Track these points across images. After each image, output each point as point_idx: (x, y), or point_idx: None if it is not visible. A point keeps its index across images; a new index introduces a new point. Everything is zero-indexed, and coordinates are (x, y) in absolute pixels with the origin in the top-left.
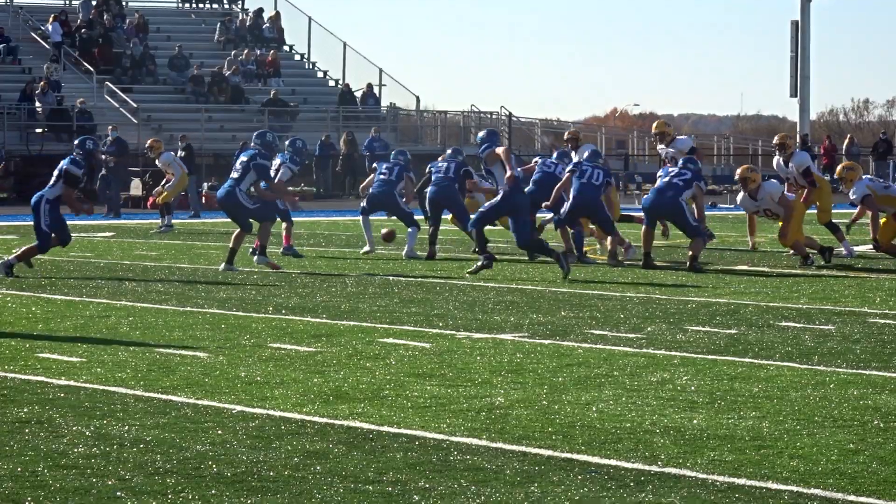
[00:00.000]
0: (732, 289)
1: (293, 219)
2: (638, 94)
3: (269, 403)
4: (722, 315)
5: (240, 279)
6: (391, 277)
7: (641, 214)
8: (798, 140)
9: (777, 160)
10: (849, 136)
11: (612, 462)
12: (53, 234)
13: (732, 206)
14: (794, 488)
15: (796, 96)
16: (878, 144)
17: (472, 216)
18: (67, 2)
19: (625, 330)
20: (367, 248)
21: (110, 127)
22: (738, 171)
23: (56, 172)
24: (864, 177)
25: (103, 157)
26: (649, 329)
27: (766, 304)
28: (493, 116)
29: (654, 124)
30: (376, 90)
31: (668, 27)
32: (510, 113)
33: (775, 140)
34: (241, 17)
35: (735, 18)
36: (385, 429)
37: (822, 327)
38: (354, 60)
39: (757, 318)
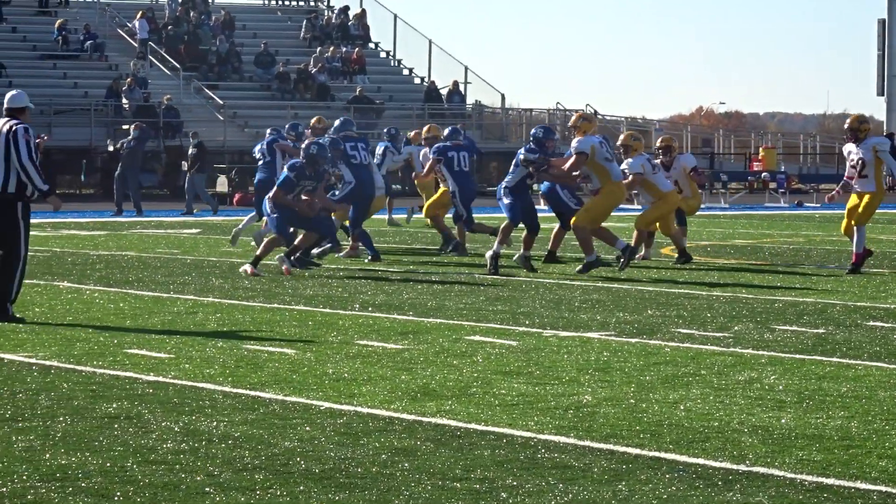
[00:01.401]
0: (820, 288)
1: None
2: (724, 92)
3: (356, 400)
4: (809, 314)
5: (326, 275)
6: (477, 275)
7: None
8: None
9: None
10: None
11: (700, 461)
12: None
13: (819, 204)
14: (884, 488)
15: (883, 95)
16: None
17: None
18: None
19: (712, 329)
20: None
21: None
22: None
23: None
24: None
25: (121, 148)
26: (736, 328)
27: (853, 304)
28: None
29: (621, 137)
30: (462, 88)
31: (754, 25)
32: (595, 111)
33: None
34: (326, 15)
35: (822, 16)
36: (473, 426)
37: None
38: (440, 58)
39: (845, 318)
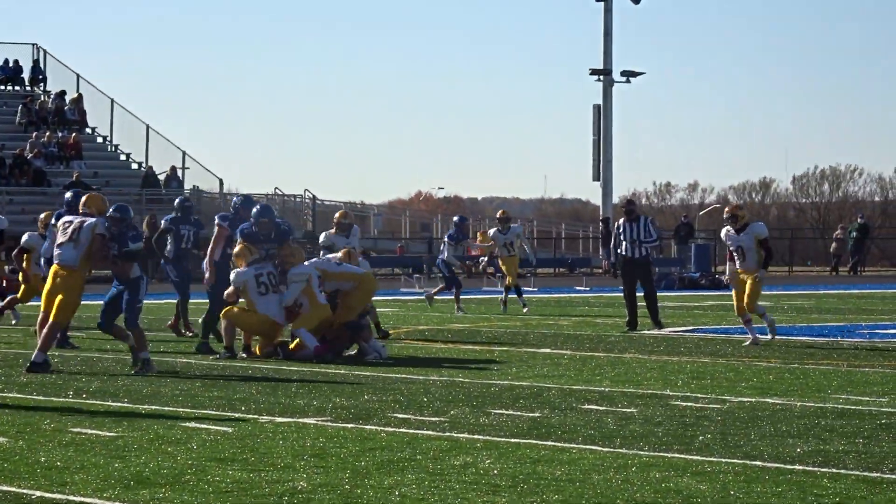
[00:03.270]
0: (535, 372)
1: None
2: (442, 177)
3: (69, 489)
4: (525, 398)
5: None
6: (193, 361)
7: None
8: (601, 224)
9: (727, 230)
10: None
11: None
12: None
13: (536, 288)
14: None
15: (599, 180)
16: (680, 228)
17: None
18: None
19: (428, 413)
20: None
21: None
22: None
23: None
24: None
25: None
26: (452, 412)
27: (569, 388)
28: (297, 199)
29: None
30: (179, 173)
31: (470, 108)
32: (314, 196)
33: (726, 212)
34: (42, 99)
35: (538, 101)
36: None
37: (624, 410)
38: (157, 143)
39: (560, 402)
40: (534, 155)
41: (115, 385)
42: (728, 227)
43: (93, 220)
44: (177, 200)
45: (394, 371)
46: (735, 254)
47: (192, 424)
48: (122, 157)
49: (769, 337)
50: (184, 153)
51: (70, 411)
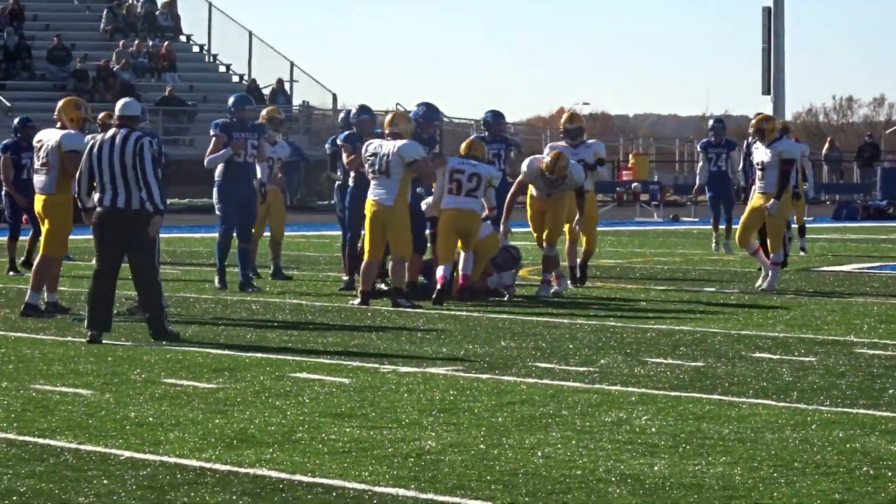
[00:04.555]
0: (699, 314)
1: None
2: (587, 91)
3: (162, 448)
4: (686, 345)
5: (126, 303)
6: (304, 302)
7: None
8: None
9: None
10: (829, 138)
11: None
12: None
13: (697, 219)
14: None
15: (769, 94)
16: (864, 149)
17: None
18: None
19: (575, 363)
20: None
21: None
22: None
23: None
24: None
25: None
26: (603, 361)
27: (736, 333)
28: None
29: None
30: (287, 87)
31: (623, 17)
32: (443, 113)
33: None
34: (130, 3)
35: (699, 4)
36: (298, 477)
37: (801, 359)
38: (262, 53)
39: (727, 349)
40: (694, 66)
41: (215, 330)
42: None
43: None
44: (16, 120)
45: (534, 314)
46: None
47: (304, 375)
48: (222, 69)
49: None
50: (292, 64)
51: (163, 361)
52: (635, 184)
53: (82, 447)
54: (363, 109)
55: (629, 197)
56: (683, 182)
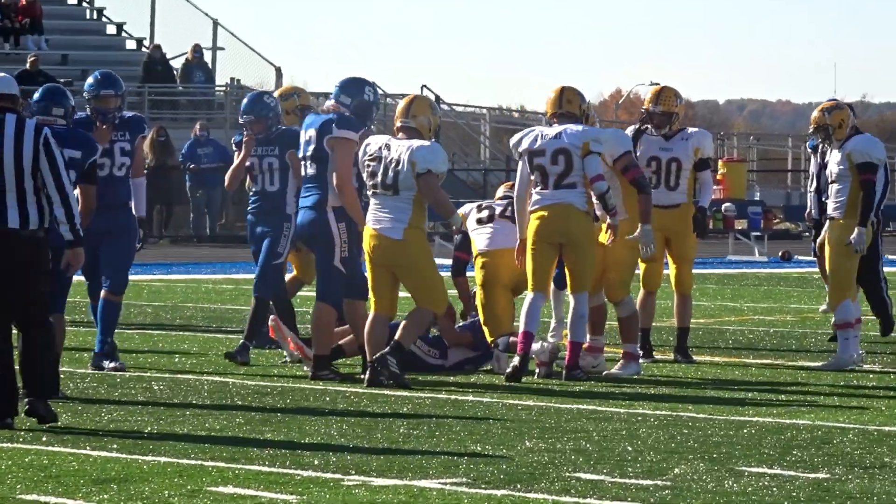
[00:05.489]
0: (819, 402)
1: None
2: (652, 69)
3: None
4: (802, 447)
5: None
6: (231, 380)
7: None
8: None
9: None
10: None
11: None
12: None
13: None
14: None
15: None
16: None
17: None
18: None
19: (634, 473)
20: None
21: None
22: None
23: None
24: None
25: None
26: (677, 471)
27: (875, 430)
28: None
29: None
30: (208, 57)
31: None
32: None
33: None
34: None
35: None
36: None
37: None
38: (172, 8)
39: (862, 454)
40: (820, 32)
41: (98, 420)
42: None
43: None
44: None
45: (572, 397)
46: None
47: (229, 490)
48: (111, 30)
49: None
50: (215, 23)
51: (19, 467)
52: (727, 205)
53: None
54: None
55: (718, 224)
56: (799, 202)
